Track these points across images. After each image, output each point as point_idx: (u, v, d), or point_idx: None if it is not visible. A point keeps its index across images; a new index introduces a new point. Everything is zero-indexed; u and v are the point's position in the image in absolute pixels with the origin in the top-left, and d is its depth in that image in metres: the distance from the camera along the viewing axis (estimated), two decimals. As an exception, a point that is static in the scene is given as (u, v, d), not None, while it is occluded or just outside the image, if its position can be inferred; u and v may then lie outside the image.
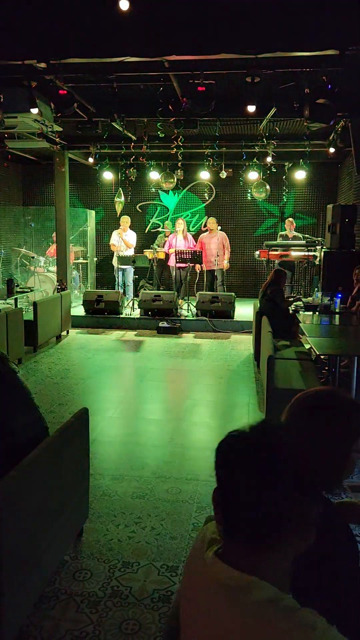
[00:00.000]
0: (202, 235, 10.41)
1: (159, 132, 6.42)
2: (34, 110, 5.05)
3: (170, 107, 5.80)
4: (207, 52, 4.36)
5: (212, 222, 10.29)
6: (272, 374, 4.31)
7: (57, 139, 7.27)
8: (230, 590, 0.90)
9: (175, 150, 7.45)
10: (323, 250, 8.64)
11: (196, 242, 10.35)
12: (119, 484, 3.69)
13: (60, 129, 6.96)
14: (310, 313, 7.18)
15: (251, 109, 4.79)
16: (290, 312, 6.87)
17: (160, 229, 11.68)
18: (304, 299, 7.61)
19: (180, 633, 1.06)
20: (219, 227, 10.38)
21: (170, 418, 5.19)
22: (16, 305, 8.43)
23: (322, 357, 6.31)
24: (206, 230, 10.59)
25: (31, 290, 8.84)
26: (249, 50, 4.29)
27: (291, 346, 6.09)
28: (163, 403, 5.84)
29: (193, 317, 9.53)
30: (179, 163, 8.41)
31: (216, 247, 10.05)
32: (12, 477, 2.11)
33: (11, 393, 2.42)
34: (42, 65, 4.66)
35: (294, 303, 6.97)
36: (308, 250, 9.79)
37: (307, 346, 6.47)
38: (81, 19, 4.40)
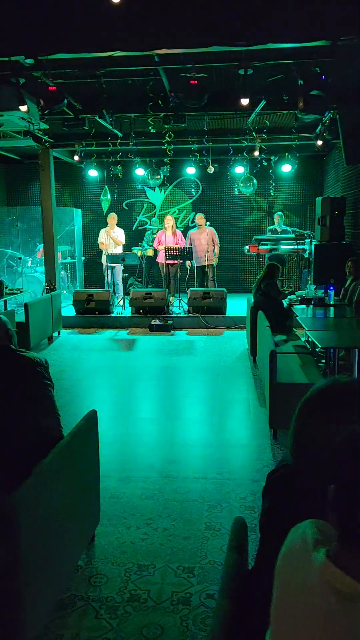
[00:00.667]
0: (191, 231, 10.35)
1: (150, 128, 6.34)
2: (23, 108, 4.94)
3: (159, 102, 5.73)
4: (198, 45, 4.30)
5: (200, 217, 10.24)
6: (274, 368, 4.29)
7: (46, 137, 7.14)
8: (344, 597, 0.86)
9: (166, 146, 7.38)
10: (313, 243, 8.65)
11: (185, 238, 10.29)
12: (126, 485, 3.64)
13: (47, 127, 6.85)
14: (304, 306, 7.18)
15: (244, 101, 4.75)
16: (285, 305, 6.87)
17: (147, 226, 11.60)
18: (297, 293, 7.61)
19: (272, 631, 1.02)
20: (207, 223, 10.33)
21: (171, 416, 5.14)
22: (6, 308, 8.31)
23: (317, 350, 6.32)
24: (194, 226, 10.55)
25: (21, 292, 8.72)
26: (240, 42, 4.24)
27: (288, 340, 6.07)
28: (162, 401, 5.78)
29: (185, 314, 9.49)
30: (168, 159, 8.33)
31: (205, 242, 10.00)
32: (29, 483, 2.04)
33: (43, 397, 2.42)
34: (29, 61, 4.56)
35: (289, 296, 6.95)
36: (297, 244, 9.80)
37: (303, 339, 6.48)
38: (70, 13, 4.30)
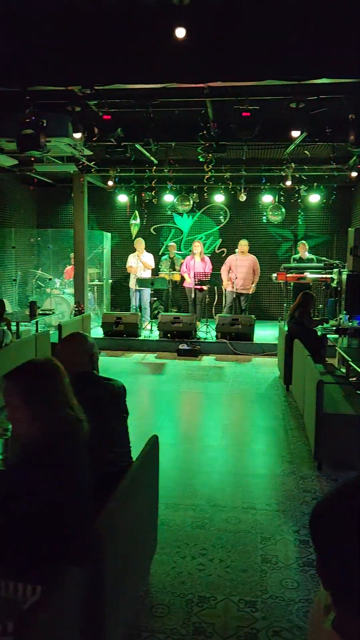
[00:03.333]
0: (231, 256, 10.26)
1: (199, 157, 6.47)
2: (77, 135, 5.08)
3: (204, 132, 5.86)
4: (253, 78, 4.41)
5: (243, 245, 10.18)
6: (321, 399, 4.25)
7: (92, 163, 7.33)
8: None
9: (209, 174, 7.54)
10: (345, 273, 8.66)
11: (212, 264, 10.34)
12: (176, 513, 3.60)
13: (91, 153, 7.01)
14: (337, 336, 7.15)
15: (295, 134, 4.85)
16: (319, 334, 6.84)
17: (165, 251, 11.73)
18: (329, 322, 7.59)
19: None
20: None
21: (212, 444, 5.10)
22: (37, 329, 8.38)
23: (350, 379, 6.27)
24: (221, 252, 10.62)
25: (53, 313, 8.80)
26: (295, 77, 4.34)
27: (326, 370, 6.03)
28: (197, 428, 5.76)
29: (212, 339, 9.48)
30: (205, 187, 8.46)
31: (246, 270, 9.96)
32: (110, 509, 2.03)
33: (117, 428, 2.43)
34: (86, 91, 4.70)
35: (320, 325, 6.93)
36: (325, 273, 9.81)
37: (343, 370, 6.42)
38: (128, 45, 4.44)
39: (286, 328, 7.07)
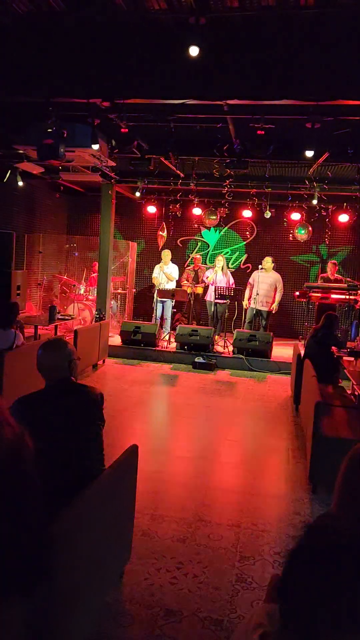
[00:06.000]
0: (257, 272, 10.18)
1: (214, 172, 6.54)
2: (95, 146, 5.22)
3: (224, 149, 5.91)
4: (269, 98, 4.45)
5: (267, 261, 10.09)
6: (318, 421, 4.19)
7: (113, 174, 7.49)
8: None
9: (226, 189, 7.58)
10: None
11: (233, 279, 10.33)
12: (159, 525, 3.60)
13: (114, 164, 7.17)
14: (352, 359, 7.01)
15: (309, 153, 4.85)
16: (335, 357, 6.71)
17: (188, 265, 11.79)
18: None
19: None
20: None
21: (208, 458, 5.08)
22: (56, 332, 8.54)
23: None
24: (246, 268, 10.61)
25: (72, 318, 8.94)
26: (311, 97, 4.36)
27: (335, 392, 5.93)
28: (200, 442, 5.73)
29: (229, 354, 9.45)
30: (226, 202, 8.51)
31: (267, 287, 9.85)
32: (68, 514, 2.06)
33: (93, 435, 2.47)
34: (106, 103, 4.83)
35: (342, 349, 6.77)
36: (350, 294, 9.66)
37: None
38: (147, 61, 4.56)
39: (306, 347, 6.97)
